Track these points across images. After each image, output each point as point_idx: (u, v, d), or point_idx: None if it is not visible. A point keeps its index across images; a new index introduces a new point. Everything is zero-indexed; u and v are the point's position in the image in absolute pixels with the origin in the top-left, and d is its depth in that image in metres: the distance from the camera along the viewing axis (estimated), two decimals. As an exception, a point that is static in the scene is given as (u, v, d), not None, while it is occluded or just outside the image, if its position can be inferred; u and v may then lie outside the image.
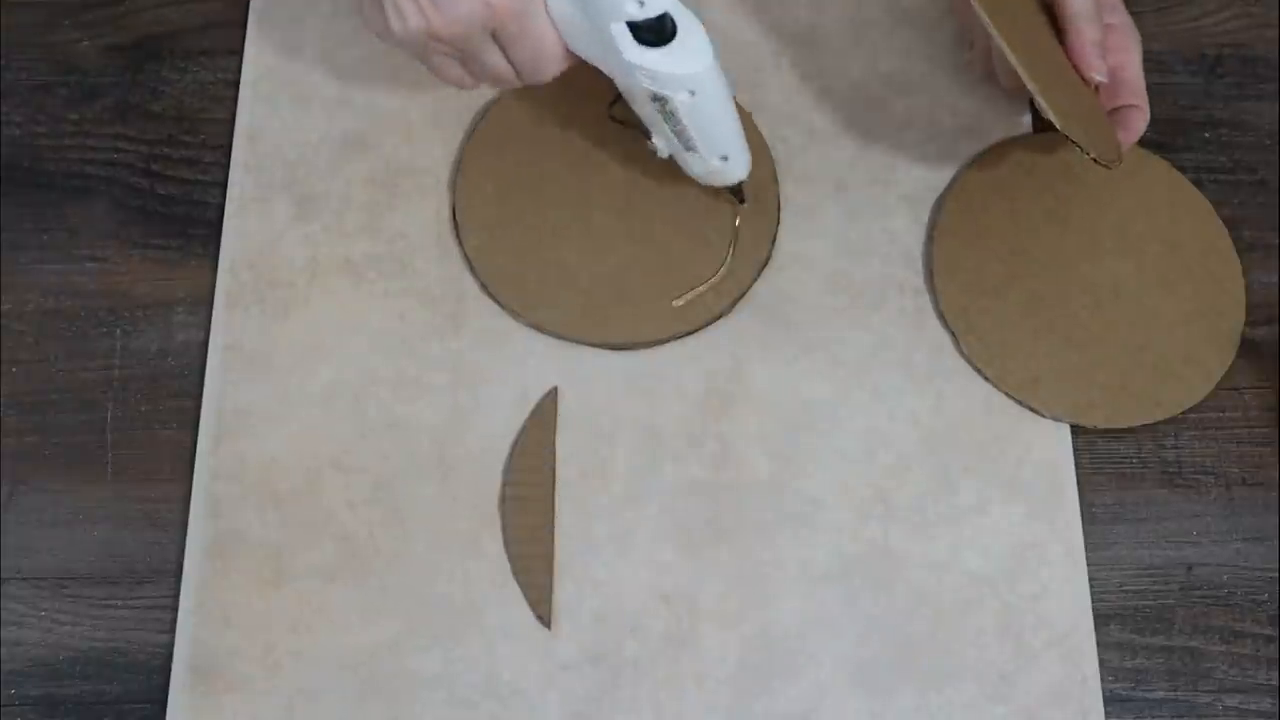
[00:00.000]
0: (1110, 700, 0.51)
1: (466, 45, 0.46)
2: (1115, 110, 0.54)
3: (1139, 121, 0.54)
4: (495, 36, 0.46)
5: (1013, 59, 0.48)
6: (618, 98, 0.52)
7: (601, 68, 0.48)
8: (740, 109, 0.59)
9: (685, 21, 0.45)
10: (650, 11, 0.44)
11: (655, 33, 0.45)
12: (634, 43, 0.45)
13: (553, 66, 0.47)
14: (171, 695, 0.51)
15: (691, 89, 0.47)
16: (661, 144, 0.52)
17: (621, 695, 0.51)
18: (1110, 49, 0.53)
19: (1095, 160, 0.50)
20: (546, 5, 0.46)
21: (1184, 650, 0.52)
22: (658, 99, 0.47)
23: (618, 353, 0.56)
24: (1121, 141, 0.53)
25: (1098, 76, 0.52)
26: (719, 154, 0.51)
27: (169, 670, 0.51)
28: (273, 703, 0.51)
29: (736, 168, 0.52)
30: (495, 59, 0.48)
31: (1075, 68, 0.53)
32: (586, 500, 0.54)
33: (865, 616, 0.52)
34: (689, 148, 0.51)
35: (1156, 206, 0.58)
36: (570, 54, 0.48)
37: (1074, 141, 0.49)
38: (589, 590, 0.52)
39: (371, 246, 0.57)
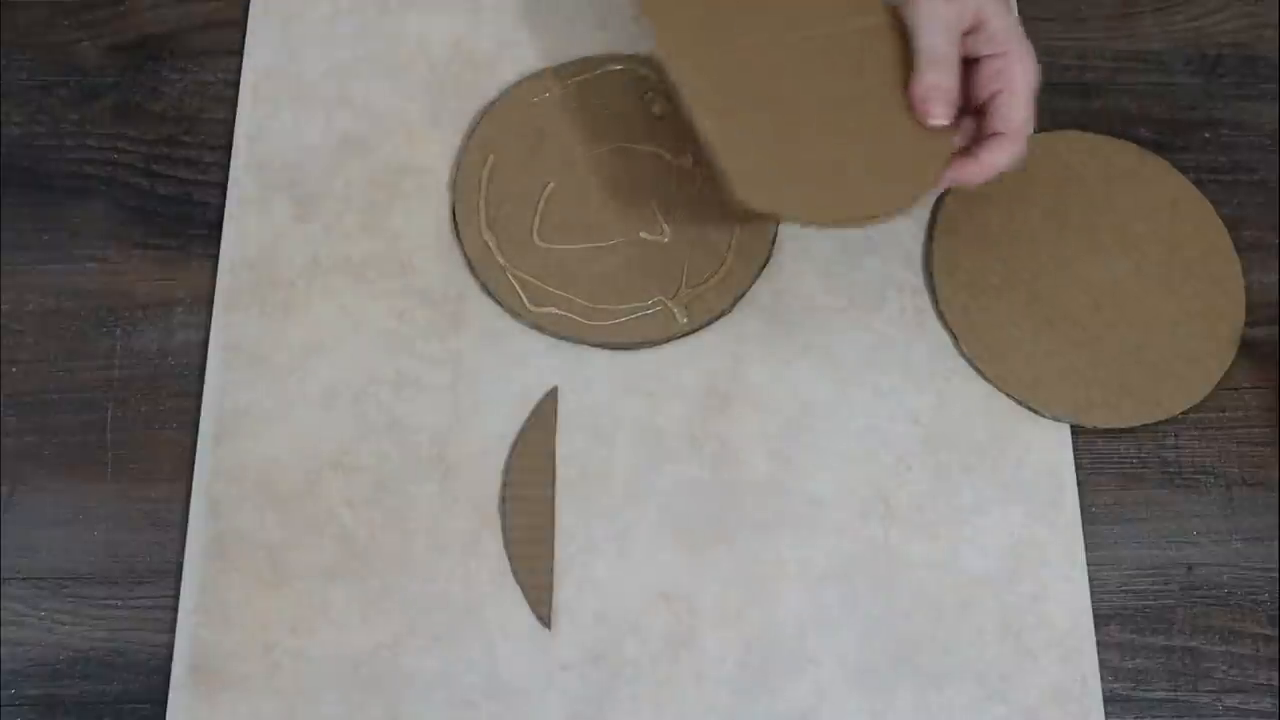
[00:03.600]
0: (1110, 700, 0.51)
1: None
2: (982, 141, 0.51)
3: (996, 154, 0.50)
4: None
5: (698, 125, 0.48)
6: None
7: None
8: None
9: None
10: None
11: None
12: None
13: None
14: (171, 695, 0.51)
15: None
16: None
17: (621, 695, 0.51)
18: (983, 81, 0.51)
19: (817, 225, 0.50)
20: None
21: (1184, 650, 0.52)
22: None
23: (618, 353, 0.56)
24: (967, 177, 0.51)
25: (932, 122, 0.50)
26: None
27: (169, 670, 0.51)
28: (273, 703, 0.51)
29: None
30: None
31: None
32: (586, 500, 0.54)
33: (865, 616, 0.52)
34: None
35: (1156, 206, 0.58)
36: None
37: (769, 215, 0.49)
38: (589, 590, 0.52)
39: (371, 246, 0.57)
